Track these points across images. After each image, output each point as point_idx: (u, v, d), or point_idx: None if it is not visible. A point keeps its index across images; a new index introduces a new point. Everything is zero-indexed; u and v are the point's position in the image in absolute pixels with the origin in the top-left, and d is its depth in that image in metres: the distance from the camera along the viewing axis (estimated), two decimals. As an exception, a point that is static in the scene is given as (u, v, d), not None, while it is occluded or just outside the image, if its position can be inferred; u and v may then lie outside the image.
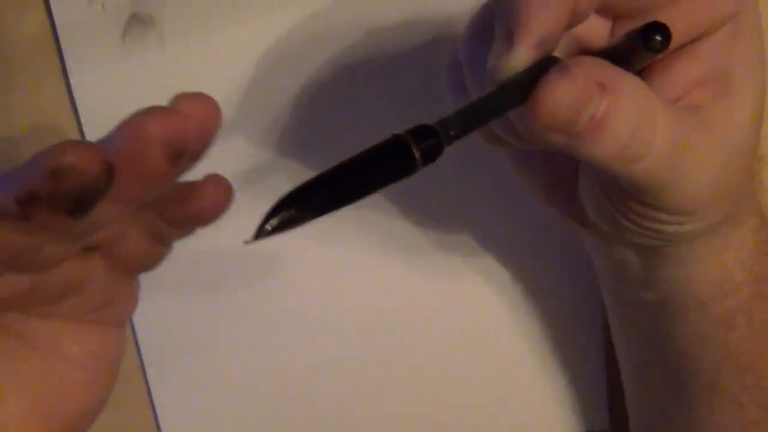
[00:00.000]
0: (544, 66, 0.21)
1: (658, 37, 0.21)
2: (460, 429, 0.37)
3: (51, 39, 0.34)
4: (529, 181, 0.29)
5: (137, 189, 0.19)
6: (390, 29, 0.35)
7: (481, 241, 0.36)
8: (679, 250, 0.26)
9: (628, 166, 0.22)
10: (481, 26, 0.24)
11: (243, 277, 0.35)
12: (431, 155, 0.20)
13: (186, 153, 0.19)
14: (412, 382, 0.37)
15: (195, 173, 0.22)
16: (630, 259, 0.28)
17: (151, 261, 0.24)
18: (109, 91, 0.34)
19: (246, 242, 0.19)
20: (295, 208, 0.19)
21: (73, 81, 0.34)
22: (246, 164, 0.35)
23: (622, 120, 0.21)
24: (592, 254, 0.30)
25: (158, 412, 0.36)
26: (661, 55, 0.22)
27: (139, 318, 0.35)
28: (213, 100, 0.21)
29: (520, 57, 0.21)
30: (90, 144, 0.18)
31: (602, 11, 0.24)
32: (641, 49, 0.21)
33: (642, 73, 0.23)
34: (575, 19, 0.22)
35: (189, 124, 0.19)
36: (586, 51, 0.24)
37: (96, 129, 0.35)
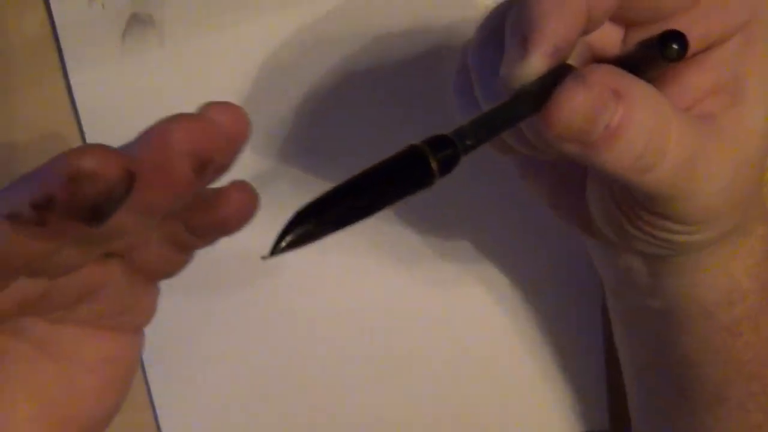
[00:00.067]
0: (559, 74, 0.21)
1: (675, 46, 0.21)
2: (460, 429, 0.37)
3: (51, 39, 0.34)
4: (535, 188, 0.29)
5: (159, 199, 0.19)
6: (394, 34, 0.35)
7: (482, 241, 0.36)
8: (687, 258, 0.26)
9: (641, 175, 0.22)
10: (491, 31, 0.24)
11: (244, 278, 0.35)
12: (448, 166, 0.20)
13: (212, 164, 0.19)
14: (412, 382, 0.37)
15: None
16: (636, 267, 0.27)
17: (171, 269, 0.23)
18: (109, 91, 0.34)
19: (263, 258, 0.18)
20: (313, 222, 0.18)
21: (73, 81, 0.34)
22: (246, 170, 0.35)
23: (637, 129, 0.21)
24: (597, 261, 0.30)
25: (158, 412, 0.36)
26: (676, 64, 0.21)
27: (139, 318, 0.35)
28: (242, 109, 0.20)
29: (535, 65, 0.21)
30: (111, 149, 0.17)
31: (615, 18, 0.24)
32: (658, 57, 0.21)
33: (653, 81, 0.23)
34: (589, 26, 0.22)
35: (217, 134, 0.19)
36: (598, 58, 0.24)
37: (96, 129, 0.35)
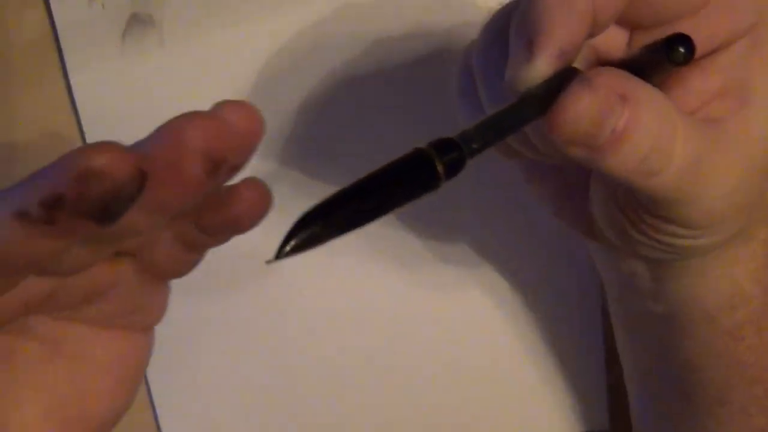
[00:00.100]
0: (565, 77, 0.21)
1: (681, 49, 0.21)
2: (460, 429, 0.37)
3: (51, 39, 0.34)
4: (539, 191, 0.29)
5: (170, 199, 0.18)
6: (395, 36, 0.35)
7: (482, 243, 0.36)
8: (690, 263, 0.26)
9: (646, 179, 0.22)
10: (496, 33, 0.24)
11: (244, 279, 0.35)
12: (454, 169, 0.19)
13: (225, 164, 0.18)
14: (412, 382, 0.37)
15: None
16: (639, 272, 0.27)
17: (182, 268, 0.23)
18: (109, 91, 0.34)
19: (268, 262, 0.18)
20: (319, 225, 0.18)
21: (73, 81, 0.34)
22: (247, 172, 0.35)
23: (643, 133, 0.21)
24: (600, 265, 0.30)
25: (158, 411, 0.36)
26: (682, 68, 0.21)
27: (139, 318, 0.35)
28: (256, 109, 0.19)
29: (541, 68, 0.21)
30: (122, 147, 0.17)
31: (620, 21, 0.24)
32: (664, 61, 0.21)
33: (659, 85, 0.23)
34: (595, 29, 0.22)
35: (230, 133, 0.18)
36: (603, 61, 0.24)
37: (96, 129, 0.34)
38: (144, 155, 0.17)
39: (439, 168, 0.19)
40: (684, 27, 0.22)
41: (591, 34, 0.22)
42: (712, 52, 0.23)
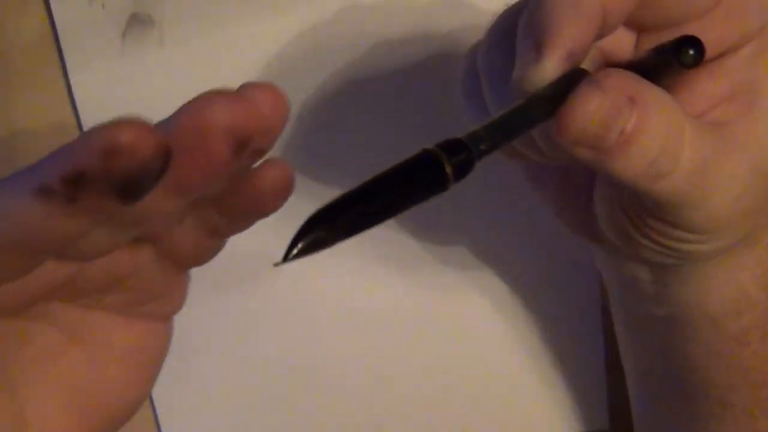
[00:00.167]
0: (573, 79, 0.21)
1: (691, 52, 0.20)
2: (460, 429, 0.37)
3: (51, 39, 0.34)
4: (541, 193, 0.29)
5: (194, 179, 0.18)
6: (397, 39, 0.35)
7: (483, 243, 0.36)
8: (694, 268, 0.26)
9: (653, 182, 0.22)
10: (502, 34, 0.24)
11: (245, 279, 0.35)
12: (463, 171, 0.19)
13: (250, 145, 0.18)
14: (412, 382, 0.37)
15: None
16: (642, 276, 0.27)
17: (203, 255, 0.23)
18: (109, 91, 0.34)
19: (275, 265, 0.18)
20: (325, 229, 0.18)
21: (73, 81, 0.34)
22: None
23: (651, 136, 0.21)
24: (602, 268, 0.30)
25: (158, 411, 0.36)
26: (691, 71, 0.21)
27: (139, 318, 0.35)
28: (282, 92, 0.19)
29: (549, 69, 0.21)
30: (147, 124, 0.16)
31: (629, 23, 0.24)
32: (673, 63, 0.21)
33: (666, 88, 0.23)
34: (603, 30, 0.22)
35: (256, 113, 0.18)
36: (611, 63, 0.24)
37: (96, 129, 0.34)
38: (168, 133, 0.17)
39: (448, 170, 0.19)
40: (692, 29, 0.22)
41: (599, 36, 0.22)
42: (720, 56, 0.23)
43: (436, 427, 0.37)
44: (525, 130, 0.21)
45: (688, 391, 0.28)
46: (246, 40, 0.34)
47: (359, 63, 0.35)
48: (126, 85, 0.34)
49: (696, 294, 0.26)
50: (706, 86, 0.24)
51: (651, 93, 0.21)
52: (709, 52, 0.22)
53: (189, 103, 0.17)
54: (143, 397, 0.25)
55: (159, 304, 0.24)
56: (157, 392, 0.36)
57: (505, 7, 0.25)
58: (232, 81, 0.34)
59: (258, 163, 0.20)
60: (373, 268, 0.36)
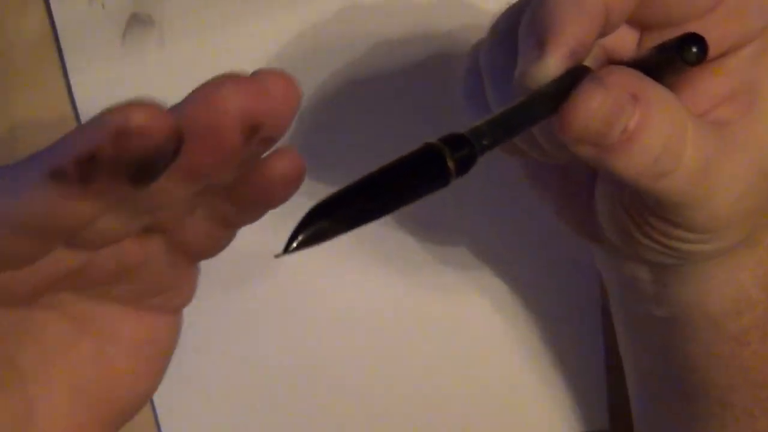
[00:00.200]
0: (575, 76, 0.21)
1: (694, 49, 0.20)
2: (460, 429, 0.37)
3: (51, 39, 0.34)
4: (542, 192, 0.29)
5: (205, 164, 0.18)
6: (398, 39, 0.35)
7: (483, 243, 0.36)
8: (694, 268, 0.26)
9: (655, 181, 0.22)
10: (504, 33, 0.24)
11: (245, 278, 0.35)
12: (465, 166, 0.19)
13: (261, 130, 0.18)
14: (412, 382, 0.37)
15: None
16: (642, 276, 0.27)
17: (213, 247, 0.23)
18: (109, 91, 0.34)
19: (276, 256, 0.18)
20: (327, 220, 0.18)
21: (73, 81, 0.34)
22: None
23: (654, 134, 0.21)
24: (602, 268, 0.30)
25: (158, 411, 0.36)
26: (693, 69, 0.21)
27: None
28: (294, 79, 0.19)
29: (551, 66, 0.20)
30: (160, 107, 0.16)
31: (631, 22, 0.24)
32: (676, 60, 0.21)
33: (668, 86, 0.23)
34: (606, 28, 0.22)
35: (268, 97, 0.18)
36: (613, 62, 0.24)
37: (96, 129, 0.34)
38: (180, 116, 0.17)
39: (450, 164, 0.19)
40: (694, 29, 0.22)
41: (602, 34, 0.22)
42: (722, 56, 0.23)
43: (436, 427, 0.37)
44: (527, 127, 0.21)
45: (688, 391, 0.28)
46: (246, 40, 0.34)
47: (359, 63, 0.35)
48: (126, 85, 0.34)
49: (696, 294, 0.26)
50: (707, 86, 0.23)
51: (654, 90, 0.21)
52: (711, 51, 0.22)
53: (201, 86, 0.18)
54: (152, 391, 0.25)
55: (169, 296, 0.24)
56: (157, 392, 0.36)
57: (507, 6, 0.25)
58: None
59: (268, 153, 0.20)
60: (373, 268, 0.36)
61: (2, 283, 0.19)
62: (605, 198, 0.25)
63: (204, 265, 0.24)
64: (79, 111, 0.34)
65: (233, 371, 0.36)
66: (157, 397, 0.36)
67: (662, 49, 0.22)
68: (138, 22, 0.34)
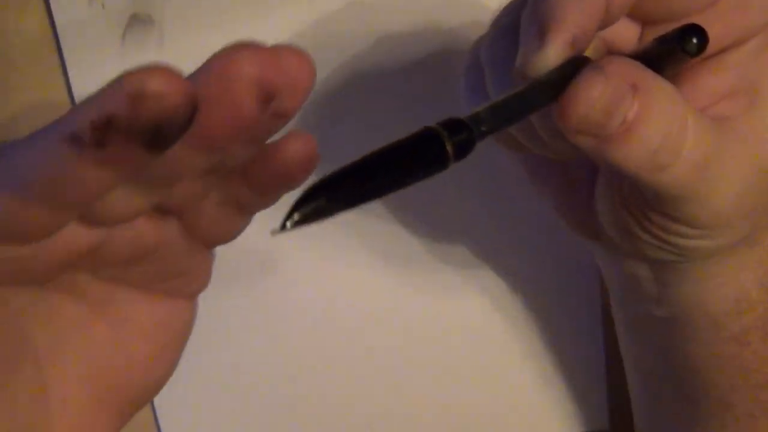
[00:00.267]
0: (575, 65, 0.21)
1: (694, 40, 0.20)
2: (460, 429, 0.37)
3: (51, 39, 0.34)
4: (542, 189, 0.29)
5: (219, 132, 0.18)
6: (399, 35, 0.35)
7: (483, 242, 0.36)
8: (694, 266, 0.26)
9: (654, 174, 0.22)
10: (506, 26, 0.24)
11: (244, 278, 0.35)
12: (463, 150, 0.19)
13: (276, 99, 0.18)
14: (412, 382, 0.37)
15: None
16: (642, 275, 0.27)
17: (228, 231, 0.23)
18: (109, 91, 0.34)
19: (273, 232, 0.18)
20: (325, 198, 0.18)
21: (73, 81, 0.34)
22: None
23: (653, 125, 0.21)
24: (602, 267, 0.30)
25: (158, 411, 0.36)
26: (694, 60, 0.21)
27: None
28: (309, 55, 0.19)
29: (552, 55, 0.21)
30: (176, 71, 0.16)
31: (632, 15, 0.24)
32: (676, 52, 0.21)
33: (669, 80, 0.23)
34: (608, 19, 0.22)
35: (283, 67, 0.18)
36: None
37: (96, 129, 0.34)
38: (196, 82, 0.17)
39: (449, 147, 0.19)
40: (698, 22, 0.22)
41: (603, 25, 0.22)
42: (723, 51, 0.23)
43: (436, 427, 0.37)
44: (526, 114, 0.21)
45: (689, 392, 0.28)
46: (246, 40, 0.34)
47: (361, 60, 0.35)
48: (126, 85, 0.34)
49: (696, 294, 0.26)
50: (708, 81, 0.23)
51: (654, 81, 0.21)
52: (712, 46, 0.22)
53: (216, 54, 0.18)
54: (165, 378, 0.25)
55: (184, 281, 0.24)
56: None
57: (509, 1, 0.25)
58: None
59: (283, 135, 0.20)
60: (373, 268, 0.36)
61: (17, 260, 0.19)
62: (605, 192, 0.25)
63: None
64: (79, 111, 0.34)
65: (233, 371, 0.36)
66: (157, 397, 0.36)
67: (663, 40, 0.22)
68: (138, 22, 0.34)
